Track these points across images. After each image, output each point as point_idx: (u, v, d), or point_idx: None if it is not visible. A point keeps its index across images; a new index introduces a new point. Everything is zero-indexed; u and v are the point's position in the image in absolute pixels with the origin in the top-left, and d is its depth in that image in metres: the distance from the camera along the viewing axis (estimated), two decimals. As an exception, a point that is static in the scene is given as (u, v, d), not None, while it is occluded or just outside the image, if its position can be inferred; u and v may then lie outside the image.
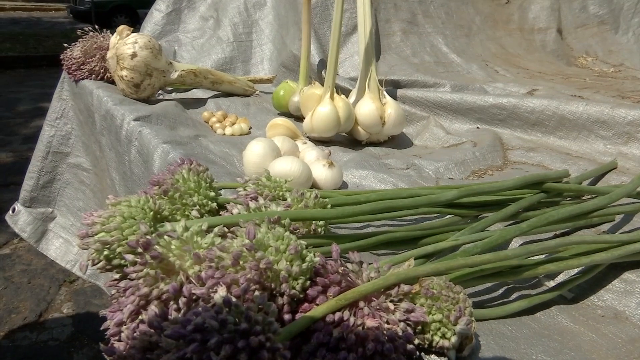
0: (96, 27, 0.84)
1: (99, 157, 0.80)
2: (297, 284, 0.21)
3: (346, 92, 0.82)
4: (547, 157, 0.71)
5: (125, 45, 0.74)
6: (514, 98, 0.78)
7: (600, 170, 0.64)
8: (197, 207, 0.29)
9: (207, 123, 0.77)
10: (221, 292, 0.19)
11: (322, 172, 0.57)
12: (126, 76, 0.74)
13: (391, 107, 0.74)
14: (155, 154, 0.54)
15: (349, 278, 0.23)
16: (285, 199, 0.35)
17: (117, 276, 0.25)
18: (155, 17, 1.04)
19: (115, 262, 0.24)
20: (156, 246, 0.21)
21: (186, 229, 0.23)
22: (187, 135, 0.66)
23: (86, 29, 0.83)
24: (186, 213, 0.29)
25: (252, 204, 0.29)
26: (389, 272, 0.25)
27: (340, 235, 0.32)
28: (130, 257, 0.23)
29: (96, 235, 0.24)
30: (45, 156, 0.92)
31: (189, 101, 0.85)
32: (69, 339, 1.48)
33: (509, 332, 0.32)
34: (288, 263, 0.21)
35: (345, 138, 0.76)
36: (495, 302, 0.37)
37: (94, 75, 0.81)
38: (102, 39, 0.83)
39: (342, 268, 0.23)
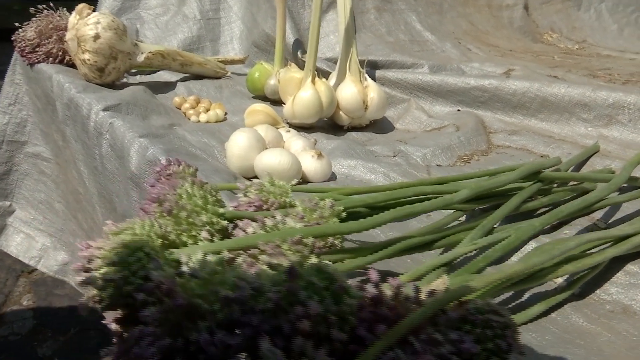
0: (51, 4, 0.76)
1: (62, 147, 0.74)
2: (345, 324, 0.19)
3: (322, 74, 0.78)
4: (531, 140, 0.71)
5: (86, 26, 0.68)
6: (496, 80, 0.77)
7: (584, 154, 0.64)
8: (207, 227, 0.26)
9: (179, 109, 0.73)
10: (264, 345, 0.17)
11: (311, 164, 0.54)
12: (89, 60, 0.68)
13: (373, 91, 0.71)
14: (131, 149, 0.50)
15: (395, 308, 0.20)
16: (292, 206, 0.32)
17: (120, 314, 0.22)
18: (113, -8, 0.96)
19: (119, 298, 0.21)
20: (179, 290, 0.18)
21: (204, 262, 0.20)
22: (160, 124, 0.62)
23: (40, 7, 0.75)
24: (193, 233, 0.25)
25: (269, 221, 0.26)
26: (428, 296, 0.22)
27: (359, 248, 0.29)
28: (142, 296, 0.20)
29: (98, 270, 0.21)
30: (0, 146, 0.85)
31: (157, 85, 0.80)
32: (31, 332, 1.42)
33: (536, 341, 0.31)
34: (335, 305, 0.18)
35: (326, 123, 0.73)
36: (510, 306, 0.35)
37: (51, 59, 0.74)
38: (58, 18, 0.76)
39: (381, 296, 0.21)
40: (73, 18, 0.70)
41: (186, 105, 0.72)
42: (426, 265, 0.30)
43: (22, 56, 0.76)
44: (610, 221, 0.51)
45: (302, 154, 0.55)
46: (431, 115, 0.78)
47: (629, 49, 1.46)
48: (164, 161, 0.40)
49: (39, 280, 1.60)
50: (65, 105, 0.65)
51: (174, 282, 0.18)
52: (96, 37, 0.68)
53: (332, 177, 0.56)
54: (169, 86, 0.80)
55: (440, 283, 0.26)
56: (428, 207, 0.33)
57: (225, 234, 0.27)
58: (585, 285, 0.41)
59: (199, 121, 0.70)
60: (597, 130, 0.72)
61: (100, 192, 0.58)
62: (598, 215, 0.51)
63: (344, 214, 0.30)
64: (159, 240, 0.23)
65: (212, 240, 0.26)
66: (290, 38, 0.86)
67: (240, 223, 0.27)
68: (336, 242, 0.28)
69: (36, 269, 1.68)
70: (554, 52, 1.33)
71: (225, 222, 0.27)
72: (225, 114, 0.73)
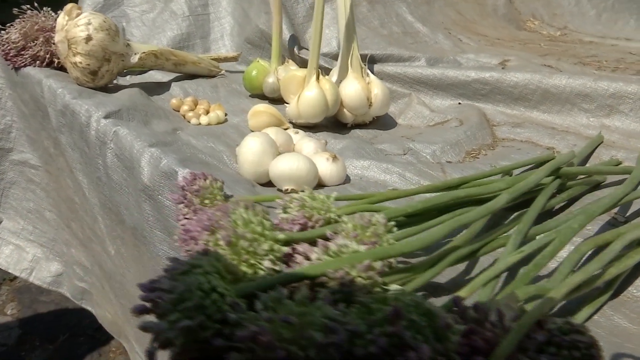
0: (35, 4, 0.72)
1: (54, 155, 0.71)
2: (451, 363, 0.18)
3: (321, 70, 0.76)
4: (535, 132, 0.71)
5: (77, 27, 0.65)
6: (497, 72, 0.77)
7: (590, 146, 0.64)
8: (270, 255, 0.24)
9: (178, 112, 0.70)
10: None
11: (326, 167, 0.53)
12: (80, 63, 0.65)
13: (377, 87, 0.70)
14: (142, 160, 0.47)
15: (488, 338, 0.19)
16: (336, 221, 0.31)
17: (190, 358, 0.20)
18: (94, -12, 0.92)
19: (192, 344, 0.19)
20: (274, 341, 0.16)
21: (286, 301, 0.19)
22: (164, 130, 0.59)
23: (24, 7, 0.71)
24: (251, 262, 0.24)
25: (333, 246, 0.24)
26: (512, 319, 0.22)
27: (417, 265, 0.28)
28: (220, 342, 0.18)
29: (167, 316, 0.19)
30: (-17, 154, 0.81)
31: (151, 86, 0.77)
32: (18, 342, 1.38)
33: (592, 350, 0.30)
34: (439, 344, 0.17)
35: (329, 121, 0.72)
36: (555, 312, 0.35)
37: (38, 62, 0.71)
38: (43, 18, 0.72)
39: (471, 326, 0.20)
40: (62, 19, 0.67)
41: (185, 107, 0.69)
42: (481, 279, 0.29)
43: (6, 60, 0.72)
44: (627, 214, 0.51)
45: (316, 157, 0.53)
46: (433, 110, 0.77)
47: (608, 35, 1.47)
48: (186, 175, 0.38)
49: (23, 288, 1.55)
50: (59, 112, 0.62)
51: (268, 331, 0.17)
52: (88, 38, 0.65)
53: (347, 179, 0.55)
54: (162, 87, 0.77)
55: (512, 300, 0.25)
56: (475, 216, 0.32)
57: (283, 260, 0.26)
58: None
59: (199, 124, 0.67)
60: (599, 120, 0.72)
61: (104, 204, 0.56)
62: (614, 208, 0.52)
63: (395, 229, 0.29)
64: (228, 276, 0.21)
65: (275, 270, 0.24)
66: (286, 34, 0.84)
67: (299, 248, 0.25)
68: (392, 260, 0.27)
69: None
70: (539, 40, 1.34)
71: (285, 249, 0.25)
72: (226, 114, 0.71)
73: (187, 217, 0.34)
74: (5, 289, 1.55)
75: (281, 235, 0.26)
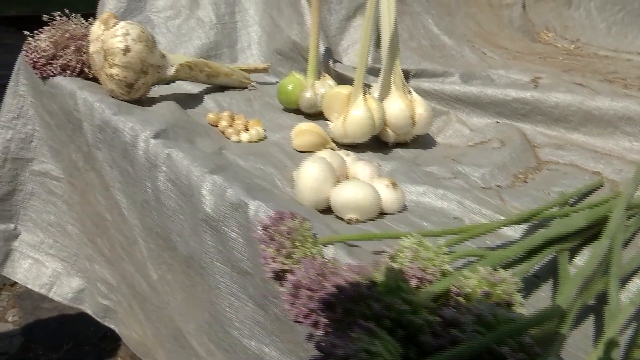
0: (66, 10, 0.69)
1: (83, 169, 0.68)
2: None
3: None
4: (578, 155, 0.69)
5: (114, 37, 0.62)
6: (537, 92, 0.76)
7: (640, 172, 0.63)
8: (425, 328, 0.22)
9: (216, 127, 0.67)
10: None
11: (386, 195, 0.51)
12: (117, 75, 0.62)
13: (421, 106, 0.68)
14: (202, 188, 0.45)
15: None
16: (449, 272, 0.29)
17: None
18: (116, -8, 0.89)
19: None
20: None
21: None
22: (211, 150, 0.57)
23: (54, 13, 0.68)
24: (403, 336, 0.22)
25: (487, 315, 0.22)
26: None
27: (548, 329, 0.26)
28: None
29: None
30: (2, 164, 0.77)
31: (183, 98, 0.74)
32: (21, 350, 1.34)
33: None
34: None
35: (372, 140, 0.70)
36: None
37: (69, 71, 0.67)
38: (74, 26, 0.69)
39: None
40: (97, 28, 0.64)
41: (223, 123, 0.67)
42: (608, 338, 0.27)
43: (34, 69, 0.68)
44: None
45: (375, 183, 0.51)
46: (472, 129, 0.76)
47: (619, 48, 1.48)
48: (271, 213, 0.36)
49: (24, 294, 1.50)
50: (97, 127, 0.59)
51: None
52: (126, 50, 0.62)
53: (404, 206, 0.53)
54: (195, 100, 0.75)
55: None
56: (591, 267, 0.31)
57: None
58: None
59: (239, 141, 0.65)
60: (643, 144, 0.71)
61: (151, 227, 0.53)
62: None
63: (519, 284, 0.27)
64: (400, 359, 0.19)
65: (437, 348, 0.22)
66: (320, 46, 0.82)
67: (444, 314, 0.23)
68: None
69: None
70: (556, 53, 1.34)
71: (430, 318, 0.23)
72: (264, 130, 0.68)
73: (277, 260, 0.32)
74: (6, 294, 1.50)
75: (432, 303, 0.24)
